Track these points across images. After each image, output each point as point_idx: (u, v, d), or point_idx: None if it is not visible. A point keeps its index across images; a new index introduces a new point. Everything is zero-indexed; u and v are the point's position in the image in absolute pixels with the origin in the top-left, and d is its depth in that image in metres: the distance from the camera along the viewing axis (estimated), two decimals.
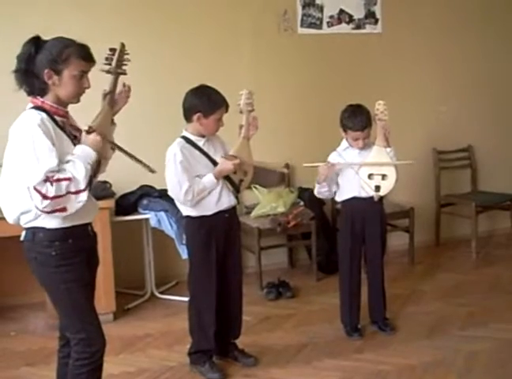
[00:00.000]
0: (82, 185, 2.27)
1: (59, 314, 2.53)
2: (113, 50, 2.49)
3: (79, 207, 2.29)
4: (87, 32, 4.08)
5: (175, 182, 3.13)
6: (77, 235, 2.42)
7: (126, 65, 2.52)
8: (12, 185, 2.31)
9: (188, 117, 3.18)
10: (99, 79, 2.48)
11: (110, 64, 2.49)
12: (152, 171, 2.59)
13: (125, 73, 2.53)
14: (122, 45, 2.50)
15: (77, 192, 2.26)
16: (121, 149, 2.53)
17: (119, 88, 2.57)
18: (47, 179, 2.20)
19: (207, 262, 3.23)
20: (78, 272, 2.41)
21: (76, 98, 2.41)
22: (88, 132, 2.37)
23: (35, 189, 2.18)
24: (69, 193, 2.24)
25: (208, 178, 3.15)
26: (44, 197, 2.19)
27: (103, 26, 4.44)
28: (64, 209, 2.26)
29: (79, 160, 2.29)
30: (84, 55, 2.36)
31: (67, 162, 2.28)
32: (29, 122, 2.26)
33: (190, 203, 3.17)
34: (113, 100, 2.53)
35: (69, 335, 2.48)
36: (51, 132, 2.28)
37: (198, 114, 3.13)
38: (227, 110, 3.18)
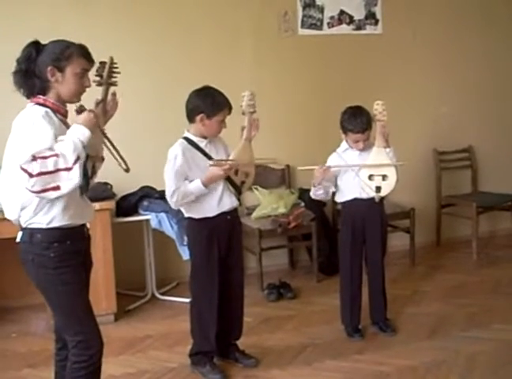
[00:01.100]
0: (71, 161, 2.21)
1: (56, 317, 2.54)
2: (103, 63, 2.54)
3: (73, 185, 2.23)
4: (88, 35, 4.10)
5: (167, 183, 3.16)
6: (75, 237, 2.42)
7: (115, 77, 2.56)
8: (12, 178, 2.29)
9: (191, 118, 3.19)
10: (93, 86, 2.51)
11: (101, 76, 2.53)
12: (127, 171, 2.56)
13: (115, 84, 2.56)
14: (111, 59, 2.54)
15: (68, 169, 2.21)
16: (108, 139, 2.53)
17: (109, 97, 2.58)
18: (34, 158, 2.17)
19: (209, 264, 3.23)
20: (76, 273, 2.42)
21: (77, 96, 2.43)
22: (79, 111, 2.36)
23: (21, 168, 2.17)
24: (58, 169, 2.19)
25: (195, 184, 3.13)
26: (30, 175, 2.16)
27: (104, 29, 4.45)
28: (57, 188, 2.21)
29: (68, 138, 2.26)
30: (85, 54, 2.41)
31: (58, 141, 2.27)
32: (33, 114, 2.29)
33: (175, 205, 3.18)
34: (105, 108, 2.55)
35: (67, 337, 2.47)
36: (56, 123, 2.31)
37: (201, 115, 3.13)
38: (230, 112, 3.18)
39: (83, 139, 2.28)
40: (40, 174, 2.17)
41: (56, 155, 2.20)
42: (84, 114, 2.35)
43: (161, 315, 4.26)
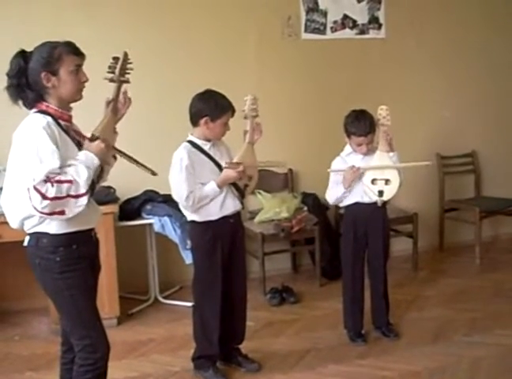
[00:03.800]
0: (83, 190, 2.26)
1: (63, 320, 2.54)
2: (116, 58, 2.51)
3: (78, 211, 2.28)
4: (95, 38, 4.15)
5: (178, 187, 3.15)
6: (81, 241, 2.42)
7: (128, 73, 2.54)
8: (15, 189, 2.30)
9: (195, 121, 3.19)
10: (102, 86, 2.51)
11: (113, 72, 2.50)
12: (154, 174, 2.59)
13: (128, 82, 2.54)
14: (125, 54, 2.52)
15: (78, 196, 2.25)
16: (122, 153, 2.54)
17: (121, 95, 2.57)
18: (47, 180, 2.19)
19: (212, 267, 3.23)
20: (82, 278, 2.42)
21: (78, 94, 2.41)
22: (92, 139, 2.37)
23: (35, 188, 2.17)
24: (69, 195, 2.23)
25: (211, 186, 3.15)
26: (44, 196, 2.18)
27: (110, 32, 4.47)
28: (62, 212, 2.25)
29: (82, 165, 2.29)
30: (74, 50, 2.38)
31: (69, 165, 2.28)
32: (34, 125, 2.27)
33: (191, 208, 3.18)
34: (116, 108, 2.54)
35: (74, 341, 2.47)
36: (56, 136, 2.29)
37: (205, 119, 3.14)
38: (233, 115, 3.19)
39: (93, 168, 2.33)
40: (55, 198, 2.20)
41: (70, 182, 2.23)
42: (97, 143, 2.36)
43: (164, 319, 4.26)
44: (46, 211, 2.21)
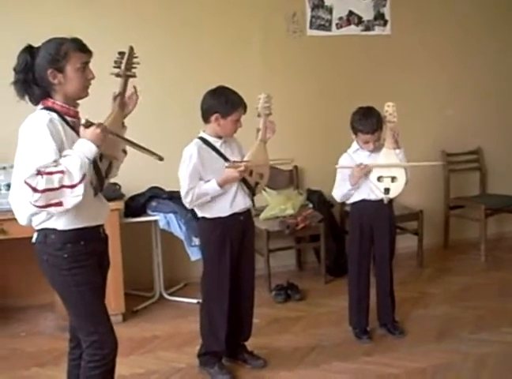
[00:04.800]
0: (77, 179, 2.21)
1: (71, 316, 2.54)
2: (122, 53, 2.52)
3: (77, 201, 2.23)
4: (100, 34, 4.15)
5: (182, 181, 3.15)
6: (89, 237, 2.42)
7: (135, 67, 2.54)
8: (19, 185, 2.29)
9: (206, 118, 3.18)
10: (109, 82, 2.50)
11: (119, 67, 2.51)
12: (161, 159, 2.56)
13: (134, 76, 2.55)
14: (131, 48, 2.52)
15: (73, 186, 2.21)
16: (126, 140, 2.53)
17: (129, 90, 2.58)
18: (38, 173, 2.17)
19: (220, 264, 3.23)
20: (90, 274, 2.41)
21: (84, 91, 2.41)
22: (86, 126, 2.32)
23: (25, 182, 2.16)
24: (63, 186, 2.19)
25: (211, 185, 3.13)
26: (34, 189, 2.15)
27: (113, 28, 4.47)
28: (60, 204, 2.22)
29: (75, 154, 2.25)
30: (81, 47, 2.37)
31: (64, 156, 2.25)
32: (37, 121, 2.27)
33: (189, 204, 3.18)
34: (123, 102, 2.54)
35: (81, 337, 2.48)
36: (61, 132, 2.29)
37: (216, 115, 3.13)
38: (245, 112, 3.17)
39: (90, 156, 2.28)
40: (46, 190, 2.17)
41: (62, 172, 2.19)
42: (92, 130, 2.31)
43: (169, 315, 4.26)
44: (39, 204, 2.19)
